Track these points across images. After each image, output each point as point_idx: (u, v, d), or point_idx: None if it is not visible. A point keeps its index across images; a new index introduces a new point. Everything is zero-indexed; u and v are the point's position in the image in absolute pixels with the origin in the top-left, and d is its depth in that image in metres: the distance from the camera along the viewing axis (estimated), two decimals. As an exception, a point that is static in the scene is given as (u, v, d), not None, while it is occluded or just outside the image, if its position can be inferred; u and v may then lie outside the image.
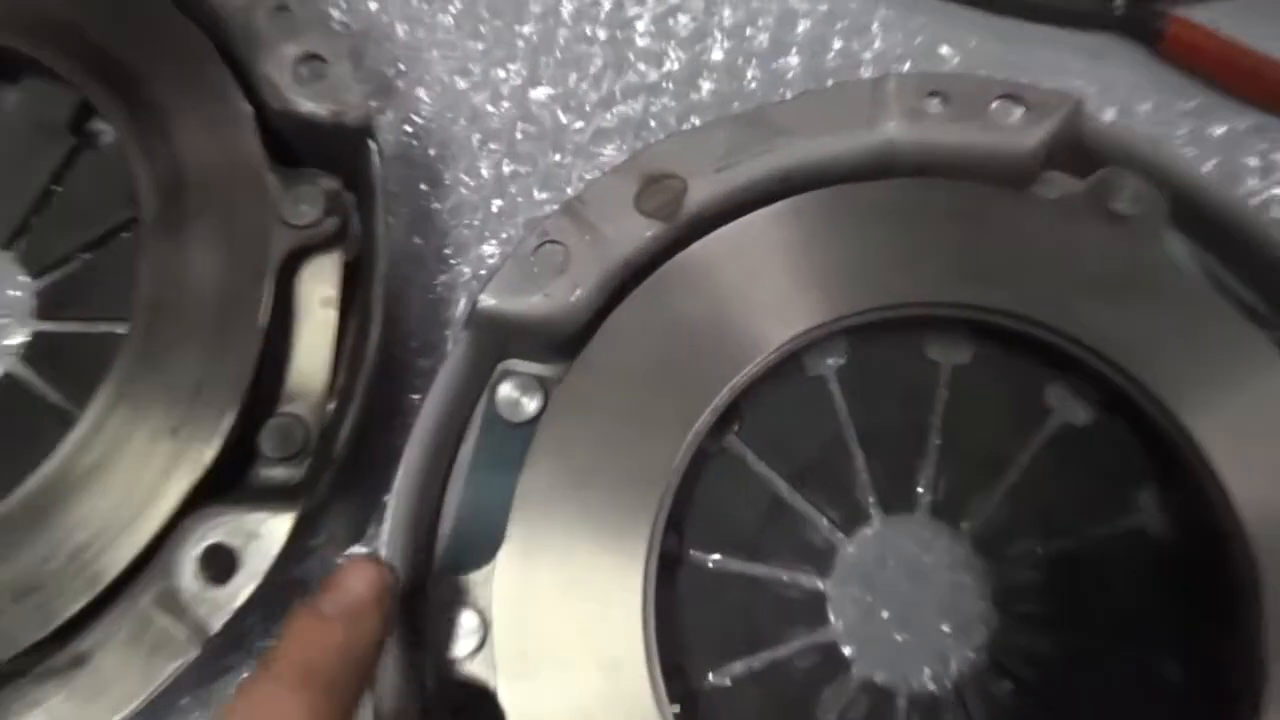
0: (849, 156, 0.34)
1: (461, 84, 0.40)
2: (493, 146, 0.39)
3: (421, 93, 0.40)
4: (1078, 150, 0.35)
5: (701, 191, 0.33)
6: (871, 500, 0.35)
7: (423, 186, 0.39)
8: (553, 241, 0.32)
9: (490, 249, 0.38)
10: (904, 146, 0.34)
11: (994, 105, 0.34)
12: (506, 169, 0.39)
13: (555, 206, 0.38)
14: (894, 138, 0.34)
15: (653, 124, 0.39)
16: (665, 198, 0.33)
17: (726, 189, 0.33)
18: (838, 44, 0.40)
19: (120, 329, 0.38)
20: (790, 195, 0.33)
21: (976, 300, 0.33)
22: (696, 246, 0.32)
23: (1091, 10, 0.41)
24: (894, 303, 0.33)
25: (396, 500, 0.30)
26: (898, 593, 0.34)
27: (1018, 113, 0.34)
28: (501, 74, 0.40)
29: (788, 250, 0.33)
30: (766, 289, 0.32)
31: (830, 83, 0.39)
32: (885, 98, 0.34)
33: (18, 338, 0.38)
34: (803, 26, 0.40)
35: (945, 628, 0.34)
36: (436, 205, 0.39)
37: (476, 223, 0.38)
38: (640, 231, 0.32)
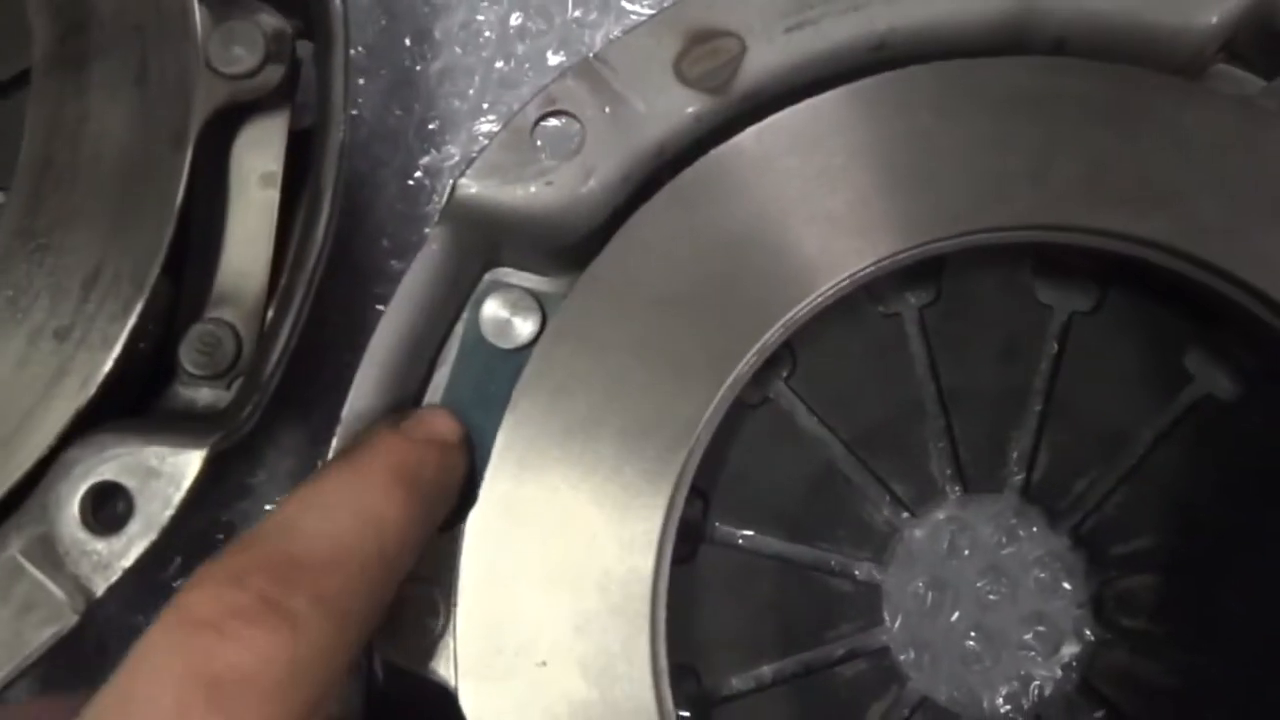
0: (967, 21, 0.26)
1: (461, -94, 0.32)
2: (498, -8, 0.31)
3: (409, -83, 0.32)
4: (1265, 33, 0.27)
5: (764, 57, 0.25)
6: (949, 474, 0.29)
7: (406, 41, 0.31)
8: (562, 112, 0.24)
9: (488, 126, 0.31)
10: (1043, 11, 0.26)
11: (1169, -37, 0.25)
12: (514, 22, 0.31)
13: (571, 72, 0.31)
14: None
15: (702, -26, 0.31)
16: (715, 63, 0.25)
17: (798, 56, 0.25)
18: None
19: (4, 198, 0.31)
20: (882, 69, 0.25)
21: (1118, 226, 0.25)
22: (752, 132, 0.25)
23: None
24: (1007, 224, 0.25)
25: (342, 437, 0.24)
26: (972, 591, 0.28)
27: (1200, -24, 0.25)
28: (514, -106, 0.31)
29: (873, 145, 0.25)
30: (841, 196, 0.25)
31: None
32: (1022, -57, 0.25)
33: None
34: None
35: (1028, 638, 0.28)
36: (421, 67, 0.31)
37: (472, 91, 0.31)
38: (680, 106, 0.25)
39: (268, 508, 0.30)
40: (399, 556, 0.20)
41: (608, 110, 0.25)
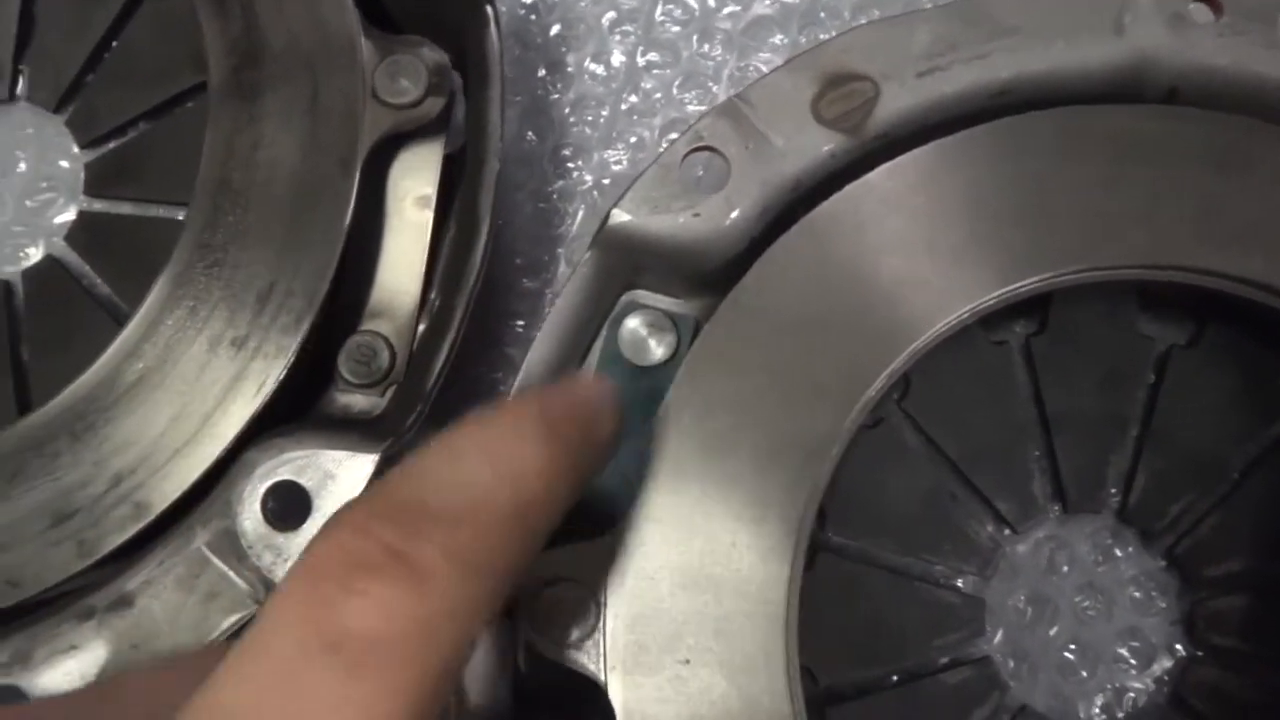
0: (1086, 70, 0.27)
1: (593, -53, 0.33)
2: (627, 29, 0.33)
3: (544, -45, 0.33)
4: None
5: (896, 101, 0.26)
6: (1050, 494, 0.30)
7: (541, 72, 0.33)
8: (709, 148, 0.26)
9: (617, 154, 0.32)
10: (1159, 62, 0.27)
11: (1280, 18, 0.27)
12: (642, 59, 0.32)
13: (698, 108, 0.32)
14: (1148, 50, 0.27)
15: (822, 15, 0.32)
16: (851, 105, 0.26)
17: (928, 100, 0.27)
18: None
19: (180, 214, 0.33)
20: (1006, 114, 0.27)
21: (1223, 267, 0.26)
22: (884, 170, 0.26)
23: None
24: (1120, 264, 0.26)
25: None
26: (1070, 606, 0.29)
27: (1309, 30, 0.27)
28: (642, -63, 0.33)
29: (994, 186, 0.26)
30: (963, 233, 0.26)
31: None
32: (1142, -2, 0.26)
33: (64, 215, 0.33)
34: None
35: (1123, 652, 0.29)
36: (556, 96, 0.32)
37: (602, 121, 0.32)
38: (817, 145, 0.26)
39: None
40: (540, 511, 0.18)
41: (749, 147, 0.26)
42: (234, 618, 0.25)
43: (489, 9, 0.28)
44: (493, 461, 0.18)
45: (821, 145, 0.26)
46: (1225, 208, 0.26)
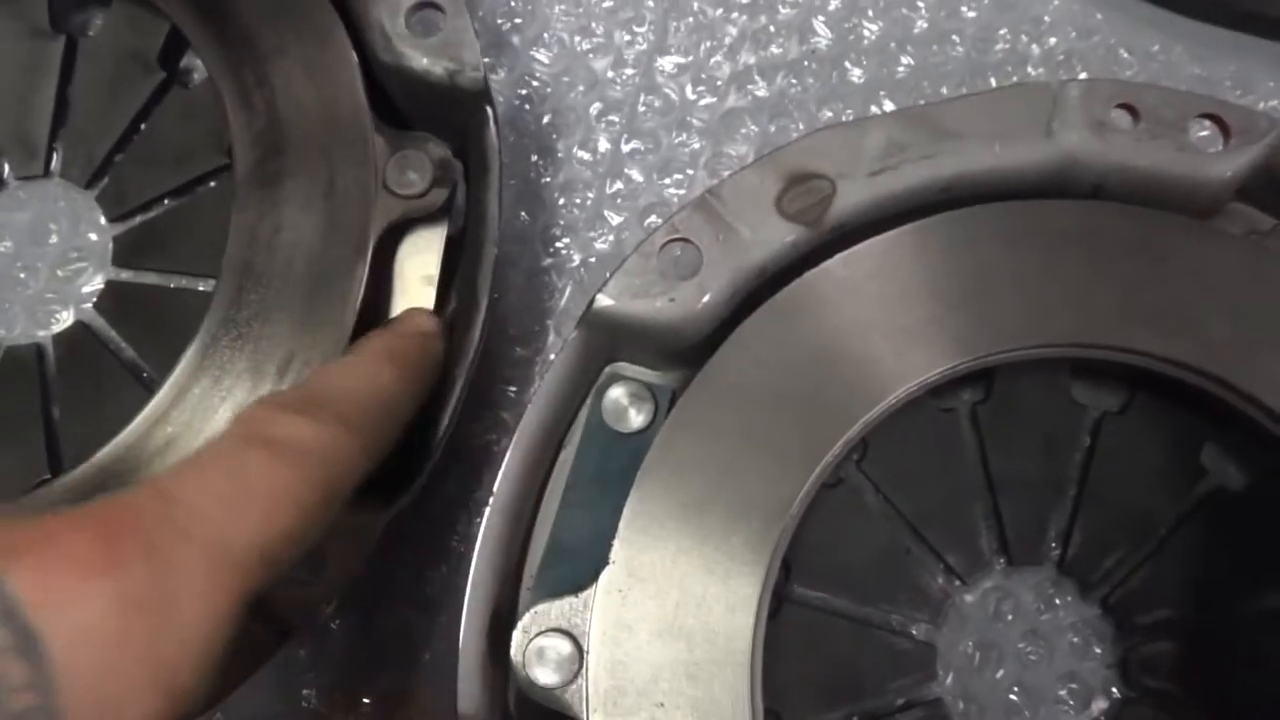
0: (1020, 169, 0.30)
1: (582, 45, 0.37)
2: (612, 119, 0.36)
3: (538, 52, 0.37)
4: (1273, 180, 0.31)
5: (851, 196, 0.29)
6: (995, 549, 0.33)
7: (533, 157, 0.36)
8: (683, 239, 0.29)
9: (602, 234, 0.35)
10: (1084, 163, 0.30)
11: (1190, 124, 0.30)
12: (626, 146, 0.36)
13: (677, 192, 0.35)
14: (1074, 152, 0.30)
15: (790, 108, 0.36)
16: (811, 200, 0.29)
17: (879, 196, 0.30)
18: (1004, 35, 0.36)
19: (201, 285, 0.36)
20: (949, 207, 0.30)
21: (1148, 347, 0.29)
22: (839, 259, 0.29)
23: (1295, 19, 0.36)
24: (1054, 341, 0.29)
25: (491, 513, 0.28)
26: (1015, 651, 0.32)
27: (1216, 136, 0.30)
28: (626, 37, 0.36)
29: (940, 272, 0.29)
30: (913, 314, 0.29)
31: (993, 80, 0.35)
32: (1069, 106, 0.30)
33: (93, 284, 0.36)
34: (967, 12, 0.36)
35: (1063, 694, 0.32)
36: (547, 179, 0.36)
37: (589, 203, 0.35)
38: (780, 236, 0.29)
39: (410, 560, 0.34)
40: (395, 405, 0.27)
41: (720, 238, 0.29)
42: (255, 662, 0.27)
43: (489, 110, 0.31)
44: (360, 376, 0.27)
45: (785, 236, 0.29)
46: (1145, 292, 0.29)
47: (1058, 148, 0.30)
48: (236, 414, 0.25)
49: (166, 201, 0.36)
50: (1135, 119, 0.30)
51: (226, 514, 0.22)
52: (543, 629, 0.27)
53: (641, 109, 0.36)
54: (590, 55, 0.36)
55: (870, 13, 0.36)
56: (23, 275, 0.36)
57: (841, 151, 0.30)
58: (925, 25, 0.36)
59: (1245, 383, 0.29)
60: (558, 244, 0.35)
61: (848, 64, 0.35)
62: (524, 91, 0.36)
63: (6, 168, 0.37)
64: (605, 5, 0.36)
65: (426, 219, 0.31)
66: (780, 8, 0.36)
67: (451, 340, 0.30)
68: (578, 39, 0.36)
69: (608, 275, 0.28)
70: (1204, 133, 0.30)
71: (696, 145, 0.35)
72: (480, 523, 0.28)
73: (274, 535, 0.22)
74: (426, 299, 0.32)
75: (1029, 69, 0.35)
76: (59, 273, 0.36)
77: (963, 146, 0.30)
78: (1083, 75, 0.36)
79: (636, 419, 0.30)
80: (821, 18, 0.36)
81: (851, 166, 0.30)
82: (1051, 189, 0.30)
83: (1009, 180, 0.30)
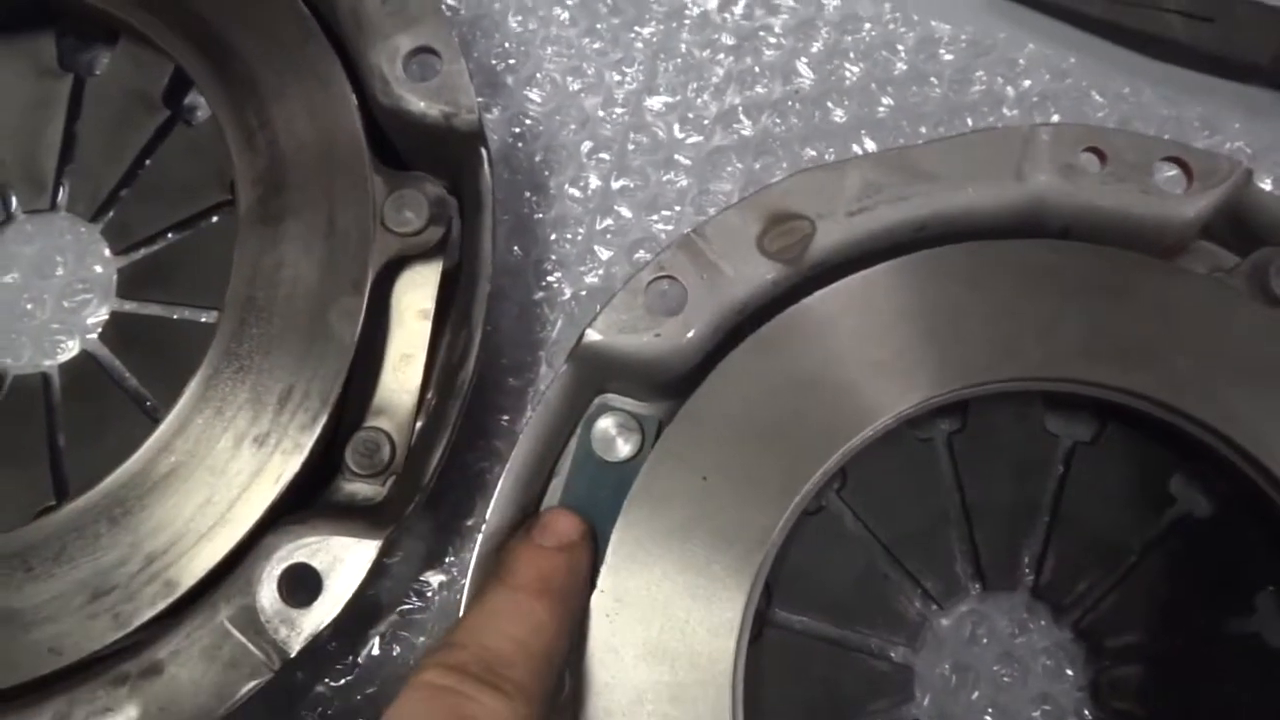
0: (992, 210, 0.31)
1: (574, 85, 0.38)
2: (603, 157, 0.37)
3: (531, 91, 0.38)
4: (1236, 220, 0.33)
5: (830, 236, 0.31)
6: (970, 574, 0.34)
7: (526, 194, 0.37)
8: (669, 277, 0.30)
9: (592, 268, 0.36)
10: (1053, 204, 0.31)
11: (1155, 167, 0.31)
12: (615, 183, 0.37)
13: (664, 227, 0.37)
14: (1044, 194, 0.31)
15: (774, 146, 0.37)
16: (791, 240, 0.31)
17: (857, 235, 0.31)
18: (980, 77, 0.37)
19: (203, 317, 0.37)
20: (924, 246, 0.31)
21: (1112, 380, 0.31)
22: (818, 296, 0.30)
23: (1259, 62, 0.38)
24: (1022, 375, 0.31)
25: (484, 539, 0.29)
26: (990, 674, 0.33)
27: (1180, 178, 0.31)
28: (616, 77, 0.38)
29: (915, 308, 0.31)
30: (888, 349, 0.30)
31: (970, 120, 0.37)
32: (1039, 149, 0.31)
33: (97, 315, 0.37)
34: (944, 55, 0.37)
35: (1036, 715, 0.33)
36: (540, 215, 0.37)
37: (580, 238, 0.36)
38: (761, 274, 0.30)
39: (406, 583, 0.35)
40: (556, 647, 0.26)
41: (704, 276, 0.30)
42: (251, 684, 0.28)
43: (484, 150, 0.32)
44: (521, 620, 0.26)
45: (766, 274, 0.30)
46: (1111, 328, 0.31)
47: (1028, 190, 0.31)
48: (420, 678, 0.24)
49: (170, 235, 0.38)
50: (1102, 162, 0.32)
51: None
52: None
53: (631, 147, 0.37)
54: (581, 95, 0.38)
55: (852, 55, 0.37)
56: (29, 306, 0.37)
57: (821, 193, 0.31)
58: (905, 67, 0.37)
59: (1206, 415, 0.30)
60: (549, 278, 0.36)
61: (830, 104, 0.37)
62: (517, 130, 0.38)
63: (14, 201, 0.38)
64: (596, 46, 0.38)
65: (422, 255, 0.32)
66: (765, 50, 0.38)
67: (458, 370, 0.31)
68: (569, 79, 0.38)
69: (597, 310, 0.29)
70: (1170, 174, 0.32)
71: (684, 183, 0.37)
72: (473, 551, 0.29)
73: None
74: (422, 332, 0.33)
75: (1004, 110, 0.37)
76: (65, 304, 0.37)
77: (937, 188, 0.31)
78: (1055, 116, 0.37)
79: (624, 448, 0.31)
80: (805, 59, 0.37)
81: (830, 207, 0.31)
82: (1022, 229, 0.32)
83: (982, 220, 0.32)
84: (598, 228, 0.36)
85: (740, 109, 0.37)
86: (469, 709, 0.23)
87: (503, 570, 0.27)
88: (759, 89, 0.37)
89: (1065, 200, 0.31)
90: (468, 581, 0.28)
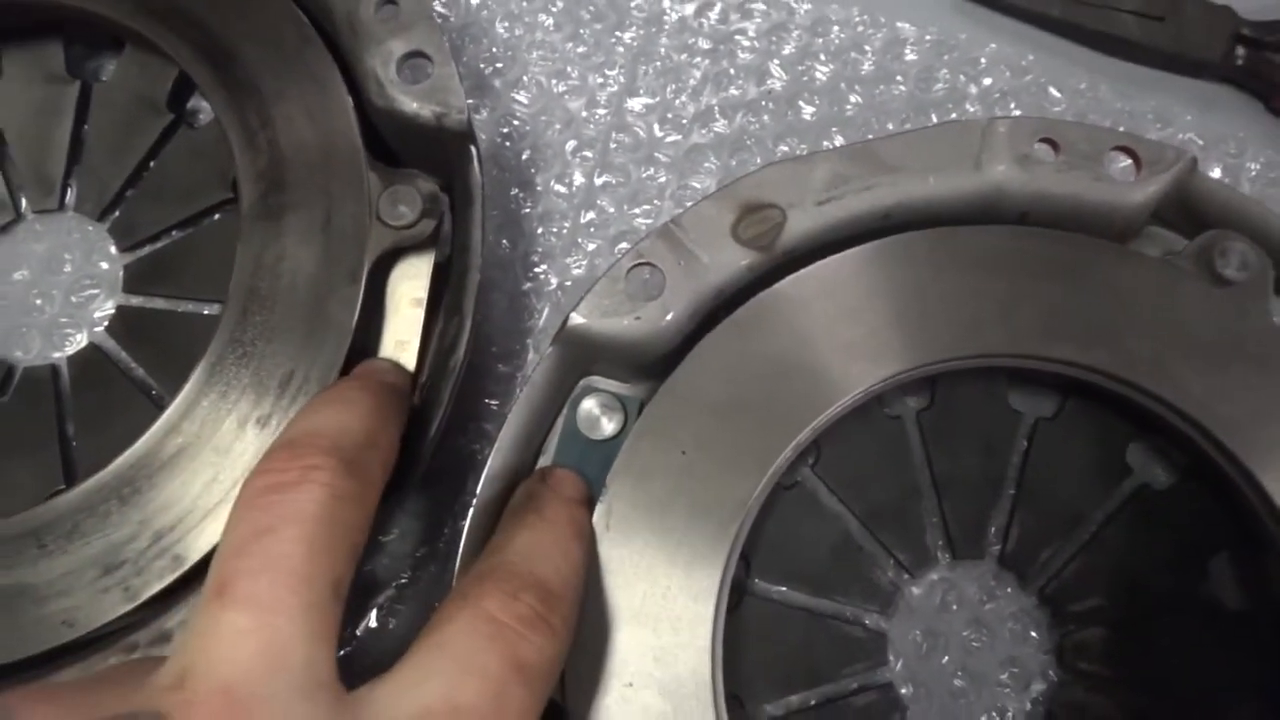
0: (953, 198, 0.33)
1: (559, 87, 0.40)
2: (586, 155, 0.39)
3: (518, 93, 0.40)
4: (1184, 206, 0.35)
5: (800, 224, 0.32)
6: (940, 544, 0.35)
7: (514, 190, 0.39)
8: (648, 264, 0.32)
9: (577, 259, 0.38)
10: (1010, 192, 0.33)
11: (1106, 157, 0.33)
12: (598, 180, 0.39)
13: (645, 221, 0.39)
14: (1001, 183, 0.33)
15: (749, 143, 0.39)
16: (763, 228, 0.32)
17: (825, 223, 0.33)
18: (944, 75, 0.39)
19: (205, 310, 0.38)
20: (889, 233, 0.33)
21: (1069, 357, 0.32)
22: (790, 280, 0.32)
23: (1209, 59, 0.40)
24: (984, 353, 0.32)
25: (475, 511, 0.31)
26: (959, 639, 0.34)
27: (1130, 166, 0.33)
28: (599, 79, 0.40)
29: (881, 291, 0.32)
30: (857, 329, 0.32)
31: (934, 116, 0.39)
32: (996, 141, 0.33)
33: (104, 309, 0.39)
34: (909, 55, 0.39)
35: (1004, 677, 0.34)
36: (527, 210, 0.39)
37: (565, 231, 0.38)
38: (735, 260, 0.32)
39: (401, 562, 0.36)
40: (583, 595, 0.28)
41: (681, 263, 0.32)
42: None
43: (473, 148, 0.34)
44: (565, 556, 0.27)
45: (740, 261, 0.32)
46: (1069, 308, 0.33)
47: (986, 179, 0.33)
48: (481, 605, 0.25)
49: (174, 233, 0.39)
50: (1056, 152, 0.33)
51: None
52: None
53: (613, 145, 0.39)
54: (566, 96, 0.40)
55: (822, 56, 0.39)
56: (39, 301, 0.39)
57: (791, 184, 0.33)
58: (871, 67, 0.39)
59: (1160, 389, 0.32)
60: (537, 269, 0.38)
61: (801, 103, 0.39)
62: (505, 130, 0.39)
63: (25, 202, 0.40)
64: (579, 51, 0.40)
65: (416, 247, 0.34)
66: (740, 53, 0.40)
67: (441, 359, 0.33)
68: (554, 82, 0.40)
69: (581, 296, 0.31)
70: (1122, 164, 0.34)
71: (663, 179, 0.38)
72: (465, 523, 0.30)
73: None
74: (416, 319, 0.34)
75: (967, 106, 0.39)
76: (73, 299, 0.39)
77: (901, 178, 0.33)
78: (1016, 111, 0.39)
79: (608, 427, 0.33)
80: (777, 61, 0.39)
81: (800, 197, 0.33)
82: (982, 216, 0.33)
83: (944, 208, 0.33)
84: (582, 221, 0.38)
85: (716, 109, 0.39)
86: (523, 651, 0.24)
87: (532, 505, 0.28)
88: (734, 90, 0.39)
89: (1022, 188, 0.33)
90: (461, 546, 0.29)
